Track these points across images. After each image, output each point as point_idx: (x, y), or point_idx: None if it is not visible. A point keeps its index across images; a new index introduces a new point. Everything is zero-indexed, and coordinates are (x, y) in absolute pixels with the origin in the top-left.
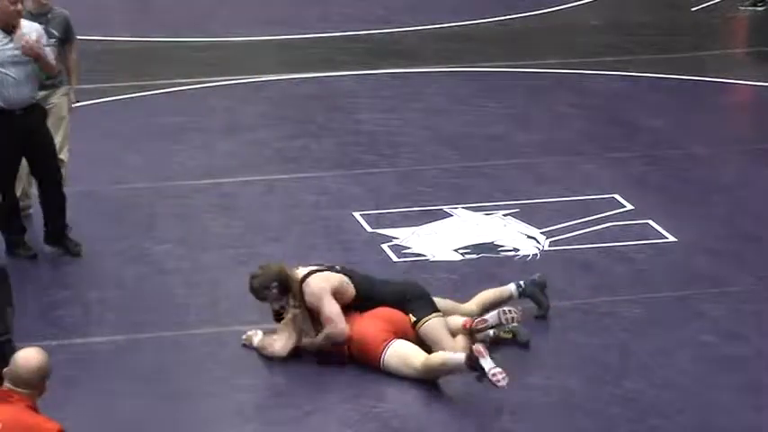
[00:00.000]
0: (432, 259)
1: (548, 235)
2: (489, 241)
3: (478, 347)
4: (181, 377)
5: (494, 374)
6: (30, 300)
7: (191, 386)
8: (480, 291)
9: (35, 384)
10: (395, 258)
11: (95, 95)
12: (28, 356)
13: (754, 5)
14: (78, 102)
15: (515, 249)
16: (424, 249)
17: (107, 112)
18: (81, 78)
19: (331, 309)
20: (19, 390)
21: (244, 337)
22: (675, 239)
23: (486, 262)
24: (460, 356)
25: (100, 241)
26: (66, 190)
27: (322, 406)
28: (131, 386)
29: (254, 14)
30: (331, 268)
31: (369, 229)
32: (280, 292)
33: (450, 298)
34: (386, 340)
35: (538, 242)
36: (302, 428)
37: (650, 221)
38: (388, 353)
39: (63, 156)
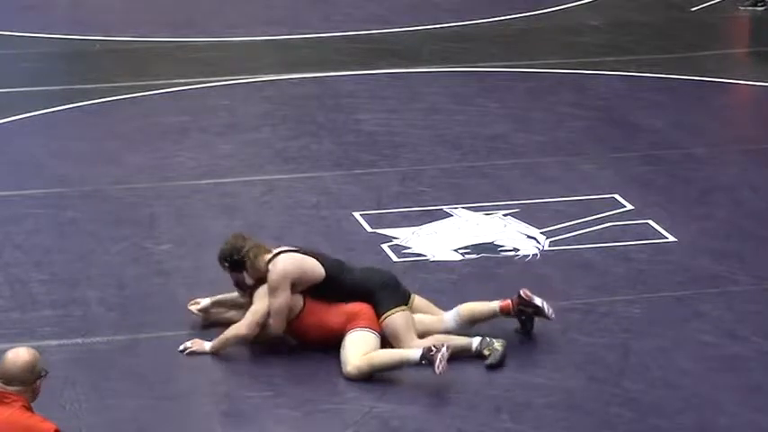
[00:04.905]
0: (432, 259)
1: (548, 235)
2: (489, 241)
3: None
4: (181, 377)
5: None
6: (30, 299)
7: (191, 386)
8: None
9: (27, 381)
10: (395, 258)
11: (95, 95)
12: (17, 353)
13: (754, 5)
14: None
15: (515, 249)
16: (424, 249)
17: (107, 112)
18: (81, 78)
19: (279, 303)
20: (12, 389)
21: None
22: (675, 239)
23: (486, 262)
24: (416, 354)
25: (100, 241)
26: (67, 190)
27: (322, 406)
28: (131, 386)
29: (254, 14)
30: (300, 251)
31: (369, 229)
32: (231, 269)
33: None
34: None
35: (538, 242)
36: (302, 428)
37: (650, 221)
38: (348, 337)
39: None
